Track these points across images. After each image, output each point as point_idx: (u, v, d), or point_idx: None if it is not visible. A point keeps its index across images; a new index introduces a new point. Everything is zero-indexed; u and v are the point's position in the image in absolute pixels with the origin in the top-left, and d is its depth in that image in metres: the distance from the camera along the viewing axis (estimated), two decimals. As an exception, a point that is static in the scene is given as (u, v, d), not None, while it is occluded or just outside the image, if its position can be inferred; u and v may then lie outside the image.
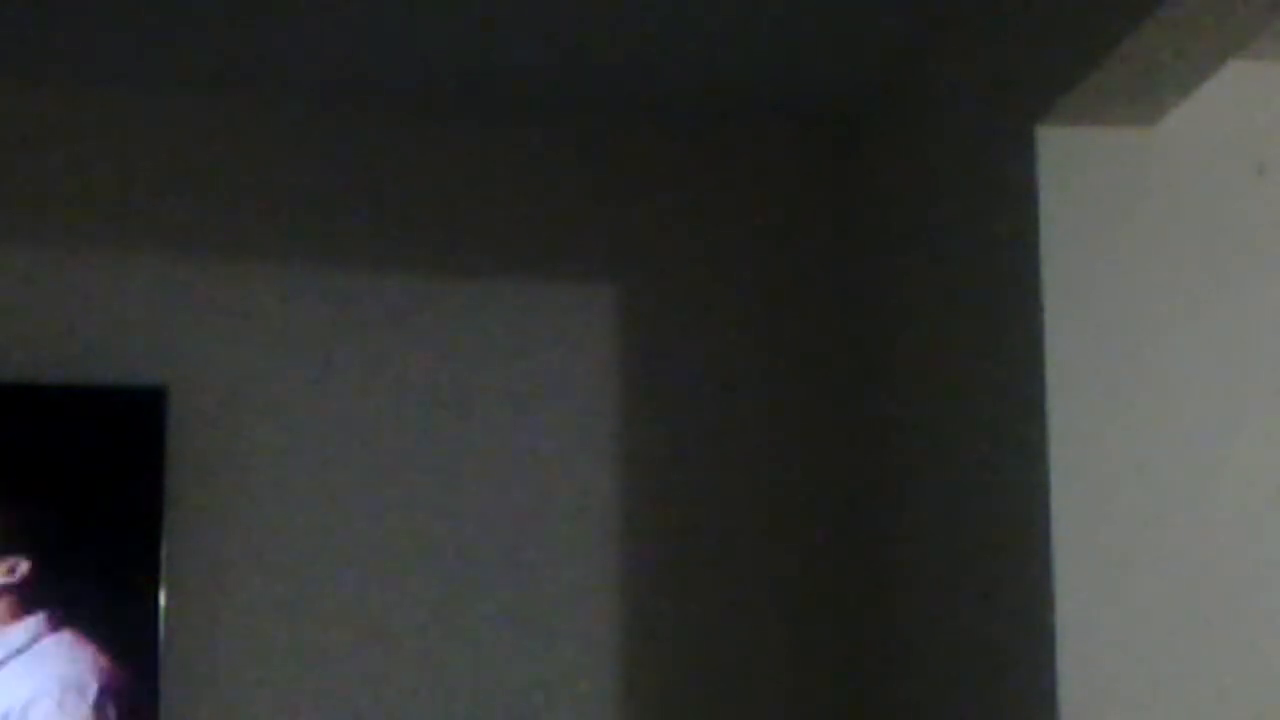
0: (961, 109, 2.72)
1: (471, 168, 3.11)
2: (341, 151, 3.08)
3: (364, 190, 3.07)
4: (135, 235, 3.00)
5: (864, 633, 3.02)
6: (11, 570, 2.76)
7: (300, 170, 3.06)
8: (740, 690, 3.03)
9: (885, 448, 3.00)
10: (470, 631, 2.98)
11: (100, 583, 2.79)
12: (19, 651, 2.75)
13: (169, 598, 2.80)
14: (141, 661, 2.77)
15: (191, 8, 2.74)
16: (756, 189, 3.18)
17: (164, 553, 2.80)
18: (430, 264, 3.07)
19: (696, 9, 2.75)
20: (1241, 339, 2.41)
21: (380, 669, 2.94)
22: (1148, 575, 2.32)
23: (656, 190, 3.16)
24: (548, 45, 2.88)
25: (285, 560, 2.95)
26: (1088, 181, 2.40)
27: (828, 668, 3.04)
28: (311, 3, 2.73)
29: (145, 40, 2.84)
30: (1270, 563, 2.36)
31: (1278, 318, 2.42)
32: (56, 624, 2.77)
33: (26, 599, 2.76)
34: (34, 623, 2.76)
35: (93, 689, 2.75)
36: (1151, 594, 2.32)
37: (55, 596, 2.77)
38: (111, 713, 2.75)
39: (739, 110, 3.13)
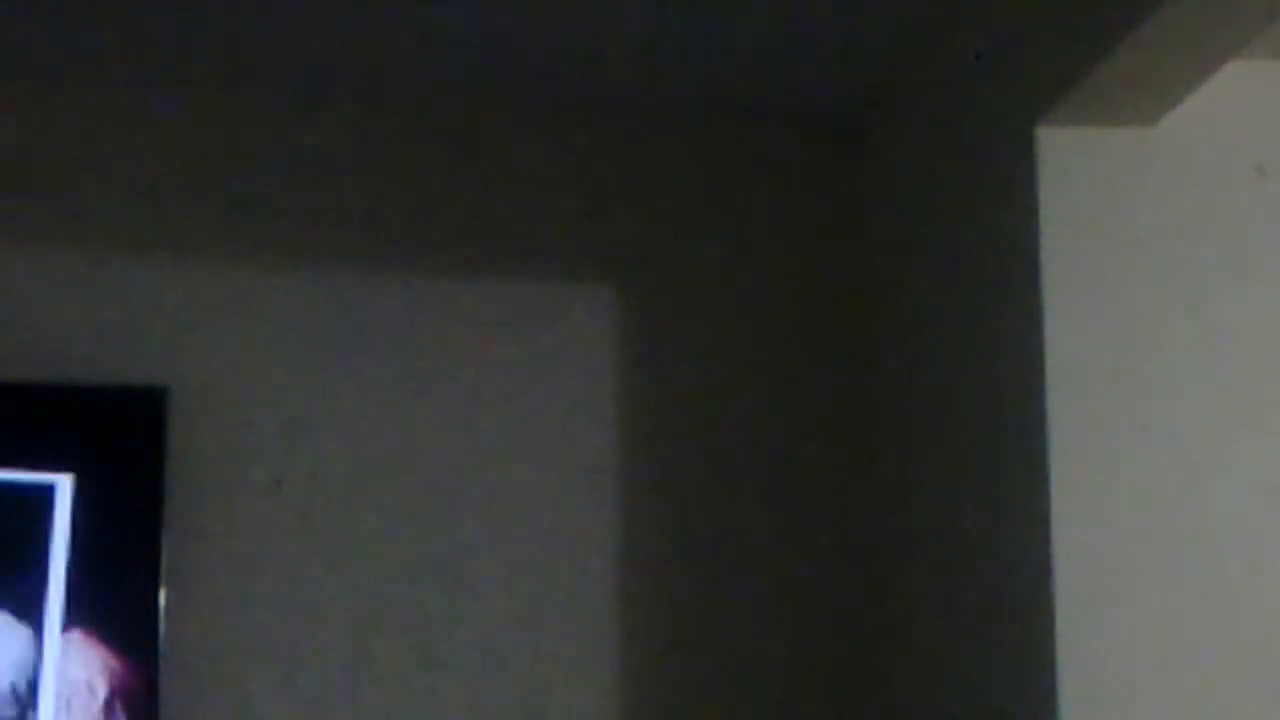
0: (961, 109, 2.72)
1: (471, 168, 3.11)
2: (341, 151, 3.08)
3: (364, 190, 3.07)
4: (135, 235, 3.00)
5: (864, 633, 3.02)
6: None
7: (300, 170, 3.06)
8: (740, 689, 3.03)
9: (885, 447, 3.01)
10: (470, 630, 2.98)
11: (100, 583, 2.80)
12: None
13: (169, 598, 2.80)
14: (142, 661, 2.77)
15: (191, 8, 2.74)
16: (756, 189, 3.18)
17: (164, 553, 2.81)
18: (430, 264, 3.07)
19: (696, 9, 2.75)
20: (1242, 339, 2.41)
21: (381, 669, 2.94)
22: (1148, 575, 2.32)
23: (657, 190, 3.16)
24: (548, 46, 2.88)
25: (285, 560, 2.95)
26: (1088, 181, 2.40)
27: (828, 667, 3.04)
28: (312, 2, 2.73)
29: (145, 40, 2.84)
30: (1270, 563, 2.36)
31: (1278, 318, 2.42)
32: (67, 624, 2.77)
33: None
34: (47, 621, 2.78)
35: (103, 690, 2.75)
36: (1151, 594, 2.32)
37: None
38: (119, 714, 2.75)
39: (739, 110, 3.13)
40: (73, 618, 2.77)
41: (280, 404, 2.99)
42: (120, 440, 2.84)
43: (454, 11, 2.75)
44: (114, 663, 2.76)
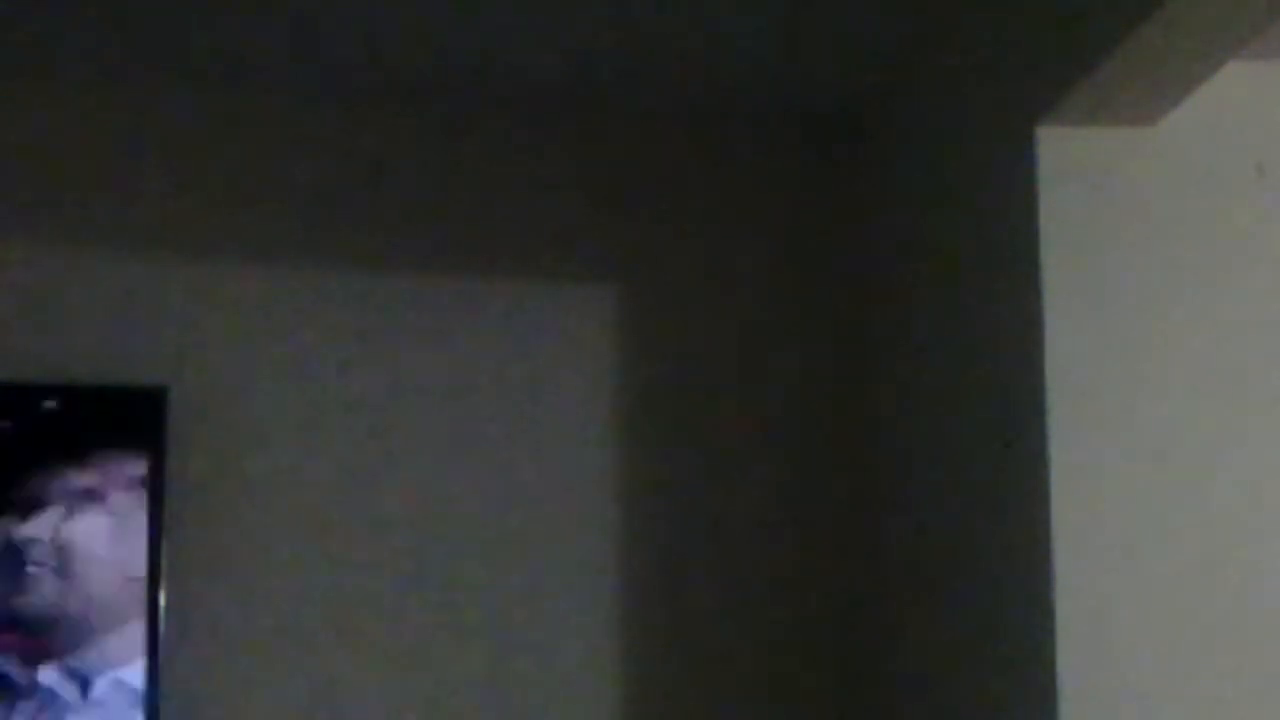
0: (961, 109, 2.72)
1: (472, 168, 3.11)
2: (342, 151, 3.08)
3: (364, 190, 3.07)
4: (136, 235, 3.00)
5: (864, 632, 3.02)
6: None
7: (301, 170, 3.06)
8: (740, 690, 3.03)
9: (885, 447, 3.01)
10: (470, 630, 2.98)
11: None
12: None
13: (169, 598, 2.80)
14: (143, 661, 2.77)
15: (191, 7, 2.74)
16: (756, 189, 3.18)
17: (164, 552, 2.80)
18: (430, 264, 3.07)
19: (697, 9, 2.75)
20: (1241, 338, 2.41)
21: (381, 669, 2.94)
22: (1148, 574, 2.32)
23: (657, 190, 3.16)
24: (549, 45, 2.88)
25: (285, 559, 2.95)
26: (1088, 181, 2.40)
27: (828, 668, 3.04)
28: (312, 2, 2.73)
29: (145, 40, 2.84)
30: (1270, 563, 2.36)
31: (1277, 317, 2.42)
32: None
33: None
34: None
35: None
36: (1151, 593, 2.32)
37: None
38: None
39: (739, 110, 3.13)
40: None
41: (280, 404, 2.99)
42: (120, 440, 2.84)
43: (455, 11, 2.75)
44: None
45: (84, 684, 2.74)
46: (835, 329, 3.14)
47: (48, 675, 2.74)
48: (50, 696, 2.73)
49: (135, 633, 2.76)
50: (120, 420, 2.84)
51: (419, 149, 3.10)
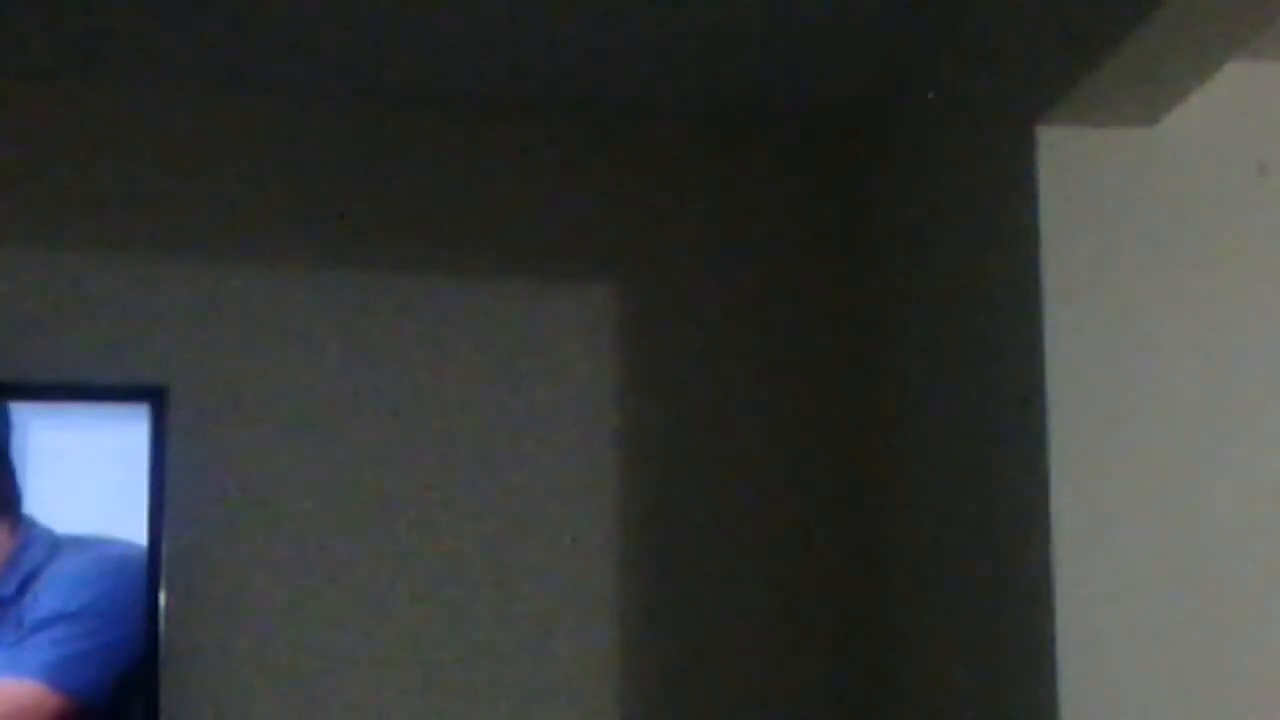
0: (961, 109, 2.72)
1: (472, 167, 3.12)
2: (342, 151, 3.08)
3: (364, 190, 3.07)
4: (135, 235, 3.00)
5: (863, 633, 3.02)
6: None
7: (300, 170, 3.06)
8: (740, 690, 3.03)
9: (885, 448, 3.01)
10: (470, 630, 2.98)
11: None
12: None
13: (169, 598, 2.80)
14: (142, 661, 2.77)
15: (191, 8, 2.74)
16: (756, 189, 3.19)
17: (164, 552, 2.80)
18: (430, 264, 3.07)
19: (697, 10, 2.75)
20: (1241, 338, 2.41)
21: (380, 668, 2.94)
22: (1148, 575, 2.32)
23: (657, 190, 3.16)
24: (549, 45, 2.88)
25: (285, 559, 2.95)
26: (1088, 181, 2.40)
27: (827, 669, 3.04)
28: (311, 3, 2.73)
29: (146, 40, 2.84)
30: (1270, 563, 2.36)
31: (1277, 317, 2.42)
32: None
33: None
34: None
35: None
36: (1151, 594, 2.32)
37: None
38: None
39: (739, 110, 3.13)
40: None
41: (280, 404, 2.99)
42: (121, 440, 2.84)
43: (454, 12, 2.75)
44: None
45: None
46: (835, 328, 3.14)
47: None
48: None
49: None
50: (121, 420, 2.84)
51: (419, 149, 3.10)
